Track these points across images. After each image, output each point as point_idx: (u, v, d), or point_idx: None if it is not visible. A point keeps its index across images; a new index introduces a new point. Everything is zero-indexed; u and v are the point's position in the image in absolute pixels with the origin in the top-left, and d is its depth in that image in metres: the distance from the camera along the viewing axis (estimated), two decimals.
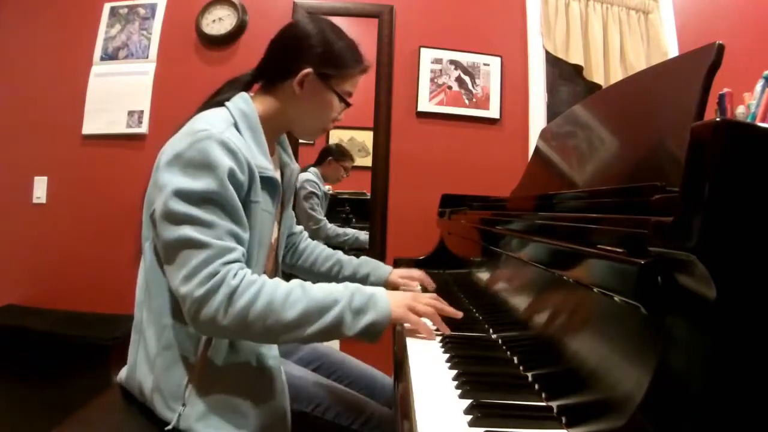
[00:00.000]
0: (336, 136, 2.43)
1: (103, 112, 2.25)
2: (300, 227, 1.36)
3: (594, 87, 2.30)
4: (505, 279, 1.04)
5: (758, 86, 1.35)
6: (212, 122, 0.89)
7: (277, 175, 1.02)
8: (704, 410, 0.41)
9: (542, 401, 0.64)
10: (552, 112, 2.30)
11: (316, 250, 1.34)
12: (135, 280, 0.95)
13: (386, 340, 0.90)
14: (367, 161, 2.30)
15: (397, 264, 1.69)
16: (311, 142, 2.27)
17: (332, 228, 2.34)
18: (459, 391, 0.66)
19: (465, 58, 2.33)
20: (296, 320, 0.82)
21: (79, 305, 2.17)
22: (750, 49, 2.01)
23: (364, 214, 2.33)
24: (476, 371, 0.74)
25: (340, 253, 1.34)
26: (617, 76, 2.31)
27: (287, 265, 1.32)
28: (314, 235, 1.72)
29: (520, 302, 0.90)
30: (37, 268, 2.27)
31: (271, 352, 0.96)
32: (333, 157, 2.38)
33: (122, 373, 0.96)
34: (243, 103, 0.97)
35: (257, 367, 0.93)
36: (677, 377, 0.42)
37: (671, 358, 0.43)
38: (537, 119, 2.32)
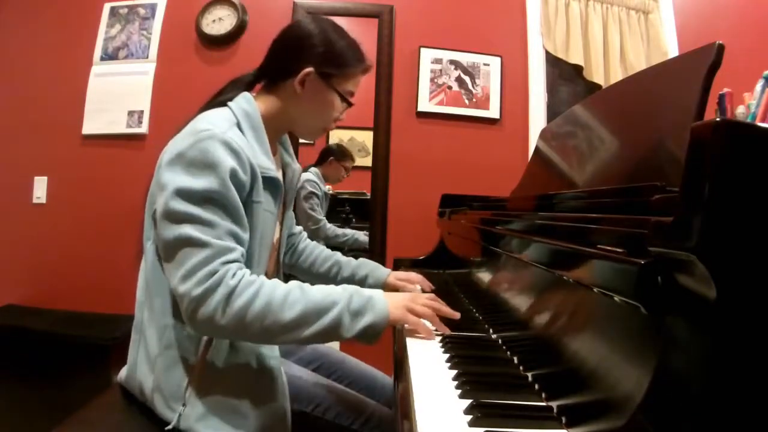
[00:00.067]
0: (336, 136, 2.43)
1: (103, 112, 2.25)
2: (299, 228, 1.36)
3: (594, 87, 2.30)
4: (505, 279, 1.04)
5: (758, 86, 1.35)
6: (215, 122, 0.89)
7: (279, 175, 1.02)
8: (704, 410, 0.41)
9: (542, 401, 0.64)
10: (552, 112, 2.30)
11: (315, 250, 1.34)
12: (135, 280, 0.95)
13: (386, 340, 0.90)
14: (367, 161, 2.31)
15: (397, 264, 1.69)
16: (312, 142, 2.27)
17: (331, 228, 2.34)
18: (459, 391, 0.66)
19: (465, 58, 2.33)
20: (294, 321, 0.82)
21: (79, 305, 2.17)
22: (750, 49, 2.01)
23: (364, 214, 2.33)
24: (476, 371, 0.74)
25: (338, 254, 1.34)
26: (617, 76, 2.31)
27: (286, 265, 1.32)
28: (313, 236, 1.72)
29: (520, 302, 0.90)
30: (37, 268, 2.27)
31: (272, 352, 0.96)
32: (334, 157, 2.38)
33: (122, 373, 0.96)
34: (246, 103, 0.97)
35: (258, 368, 0.93)
36: (677, 377, 0.42)
37: (671, 358, 0.43)
38: (537, 119, 2.32)
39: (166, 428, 0.85)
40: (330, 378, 1.13)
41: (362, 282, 1.27)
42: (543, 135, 1.48)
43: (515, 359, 0.80)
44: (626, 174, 0.86)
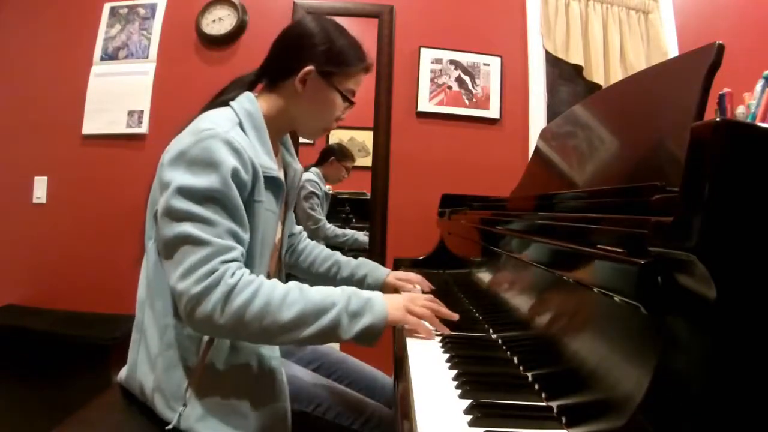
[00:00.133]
0: (336, 136, 2.43)
1: (103, 112, 2.25)
2: (299, 227, 1.36)
3: (594, 87, 2.30)
4: (505, 279, 1.04)
5: (758, 86, 1.35)
6: (217, 121, 0.89)
7: (281, 175, 1.02)
8: (704, 410, 0.41)
9: (542, 401, 0.64)
10: (552, 112, 2.30)
11: (314, 250, 1.34)
12: (135, 280, 0.95)
13: (386, 340, 0.90)
14: (367, 161, 2.31)
15: (397, 264, 1.69)
16: (312, 141, 2.27)
17: (331, 228, 2.34)
18: (459, 391, 0.66)
19: (465, 58, 2.33)
20: (293, 321, 0.82)
21: (79, 305, 2.17)
22: (750, 49, 2.01)
23: (364, 214, 2.34)
24: (476, 371, 0.74)
25: (338, 254, 1.34)
26: (617, 76, 2.31)
27: (285, 264, 1.31)
28: (313, 235, 1.72)
29: (520, 302, 0.90)
30: (37, 268, 2.27)
31: (273, 353, 0.96)
32: (335, 157, 2.38)
33: (122, 373, 0.96)
34: (248, 102, 0.97)
35: (258, 368, 0.92)
36: (677, 377, 0.42)
37: (671, 358, 0.43)
38: (537, 119, 2.32)
39: (167, 428, 0.85)
40: (330, 378, 1.13)
41: (361, 282, 1.27)
42: (543, 135, 1.48)
43: (515, 359, 0.80)
44: (626, 174, 0.86)
